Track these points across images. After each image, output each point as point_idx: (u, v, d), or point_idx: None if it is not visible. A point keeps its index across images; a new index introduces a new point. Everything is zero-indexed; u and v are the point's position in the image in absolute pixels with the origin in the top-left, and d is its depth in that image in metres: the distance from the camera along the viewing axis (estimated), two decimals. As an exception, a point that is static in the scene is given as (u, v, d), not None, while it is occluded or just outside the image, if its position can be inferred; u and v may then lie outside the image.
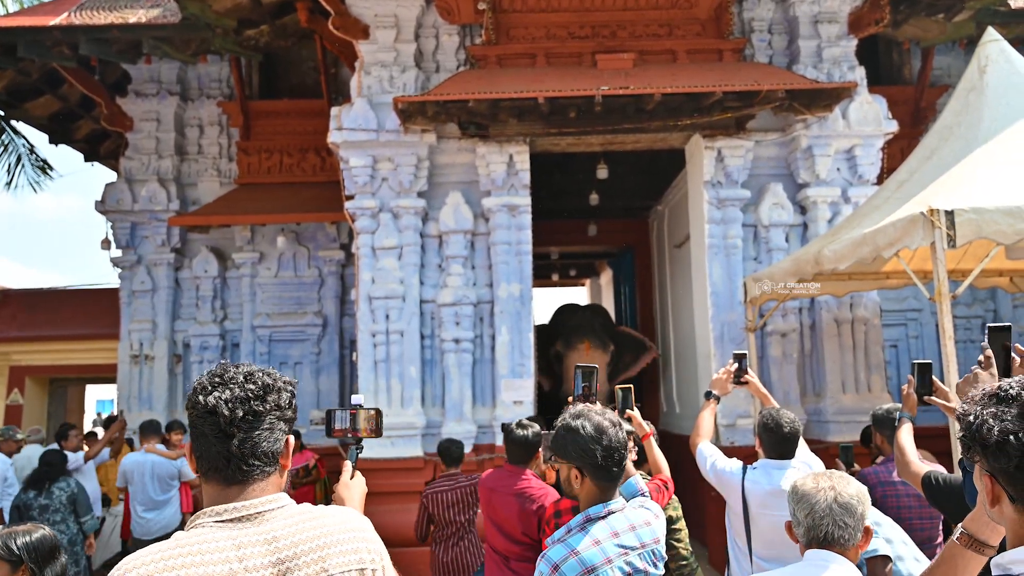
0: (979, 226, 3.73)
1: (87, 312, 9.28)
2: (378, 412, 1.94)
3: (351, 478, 1.76)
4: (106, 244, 8.60)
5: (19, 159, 10.27)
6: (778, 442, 3.00)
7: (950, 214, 3.73)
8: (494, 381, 6.37)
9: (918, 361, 2.73)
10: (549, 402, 7.90)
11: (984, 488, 1.10)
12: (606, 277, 12.95)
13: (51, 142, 9.64)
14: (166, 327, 8.33)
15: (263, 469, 1.34)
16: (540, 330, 8.26)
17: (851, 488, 1.96)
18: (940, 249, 3.75)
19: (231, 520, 1.28)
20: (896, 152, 7.20)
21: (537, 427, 3.43)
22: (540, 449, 3.37)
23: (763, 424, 3.07)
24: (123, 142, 8.66)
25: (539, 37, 6.73)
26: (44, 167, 10.42)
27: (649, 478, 2.99)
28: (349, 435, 1.90)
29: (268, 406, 1.34)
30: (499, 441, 6.25)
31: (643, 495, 2.18)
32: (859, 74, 6.56)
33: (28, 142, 10.36)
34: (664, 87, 5.88)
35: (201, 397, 1.32)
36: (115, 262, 8.56)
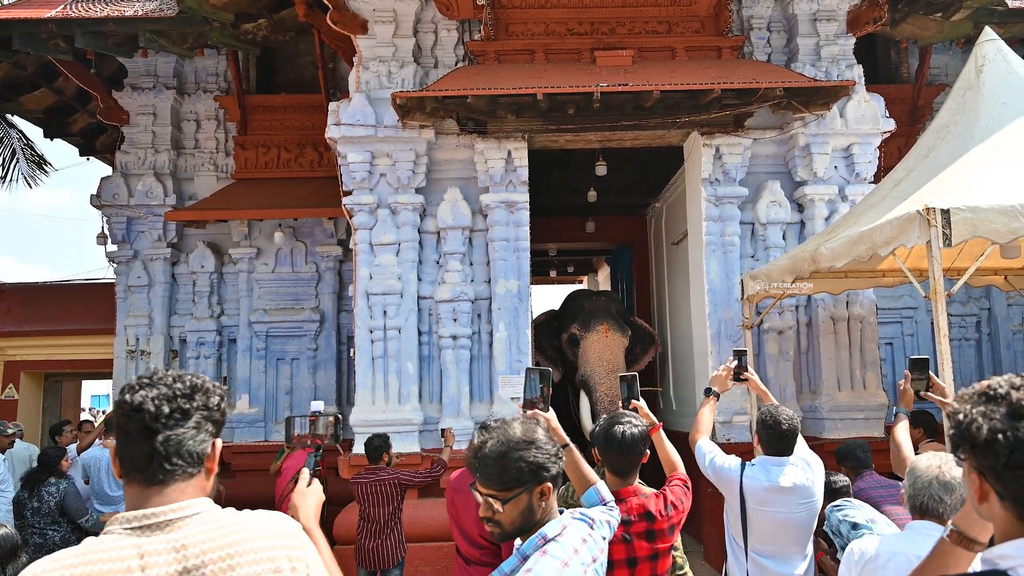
0: (974, 225, 3.75)
1: (82, 307, 9.26)
2: (336, 418, 1.94)
3: (307, 485, 1.73)
4: (102, 239, 8.57)
5: (14, 153, 10.22)
6: (776, 439, 3.01)
7: (946, 213, 3.74)
8: (492, 377, 6.39)
9: (915, 357, 2.74)
10: (560, 392, 7.52)
11: (973, 485, 1.12)
12: (604, 274, 12.96)
13: (46, 136, 9.58)
14: (162, 322, 8.31)
15: (186, 470, 1.33)
16: (550, 316, 7.99)
17: (956, 470, 2.12)
18: (936, 248, 3.76)
19: (139, 528, 1.27)
20: (893, 150, 7.22)
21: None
22: None
23: (762, 421, 3.07)
24: (119, 136, 8.62)
25: (538, 33, 6.73)
26: (39, 162, 10.37)
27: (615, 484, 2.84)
28: (308, 441, 1.90)
29: (196, 404, 1.35)
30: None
31: (604, 504, 2.04)
32: (857, 72, 6.58)
33: (24, 136, 10.31)
34: (663, 84, 5.89)
35: (128, 396, 1.33)
36: (111, 257, 8.53)
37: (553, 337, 7.74)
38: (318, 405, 1.80)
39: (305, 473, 1.77)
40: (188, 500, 1.31)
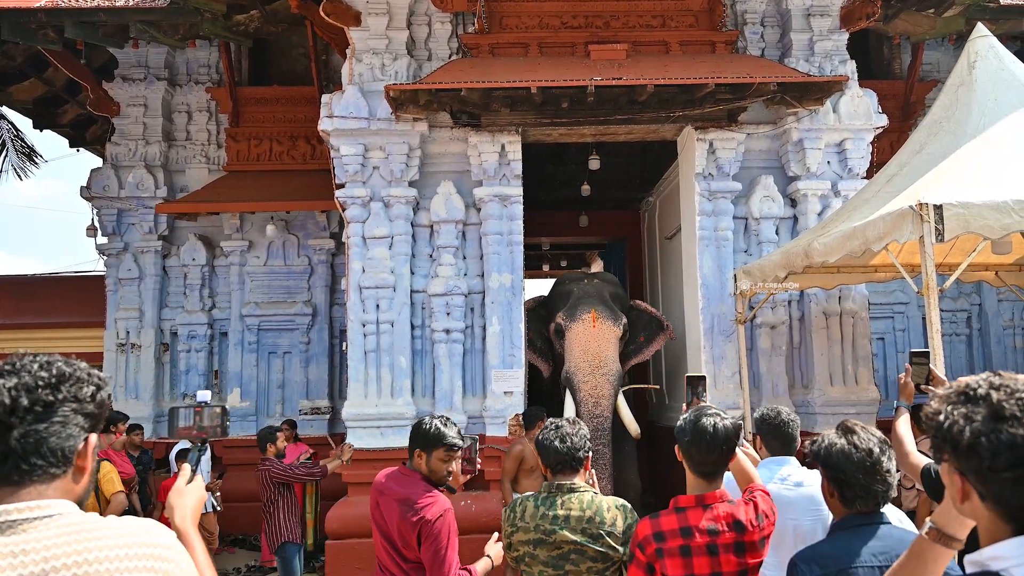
0: (967, 220, 3.76)
1: (72, 300, 9.18)
2: (223, 409, 1.83)
3: (188, 483, 1.58)
4: (92, 231, 8.51)
5: (3, 144, 10.11)
6: (779, 435, 2.85)
7: (939, 208, 3.76)
8: (484, 371, 6.38)
9: (915, 349, 2.69)
10: (549, 389, 7.06)
11: (954, 486, 1.11)
12: (597, 268, 12.98)
13: (36, 127, 9.50)
14: (153, 315, 8.27)
15: (47, 470, 1.18)
16: (538, 303, 7.14)
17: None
18: (928, 243, 3.78)
19: None
20: (886, 146, 7.25)
21: (440, 424, 2.75)
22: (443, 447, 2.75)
23: (761, 418, 2.89)
24: (109, 127, 8.55)
25: (532, 26, 6.70)
26: (29, 153, 10.27)
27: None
28: (194, 434, 1.80)
29: (62, 396, 1.20)
30: (489, 432, 6.26)
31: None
32: (850, 68, 6.59)
33: (13, 127, 10.21)
34: (657, 78, 5.88)
35: None
36: (101, 249, 8.48)
37: (542, 326, 6.96)
38: (204, 395, 1.69)
39: (186, 469, 1.62)
40: (40, 501, 1.16)
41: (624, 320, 6.59)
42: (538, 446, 2.53)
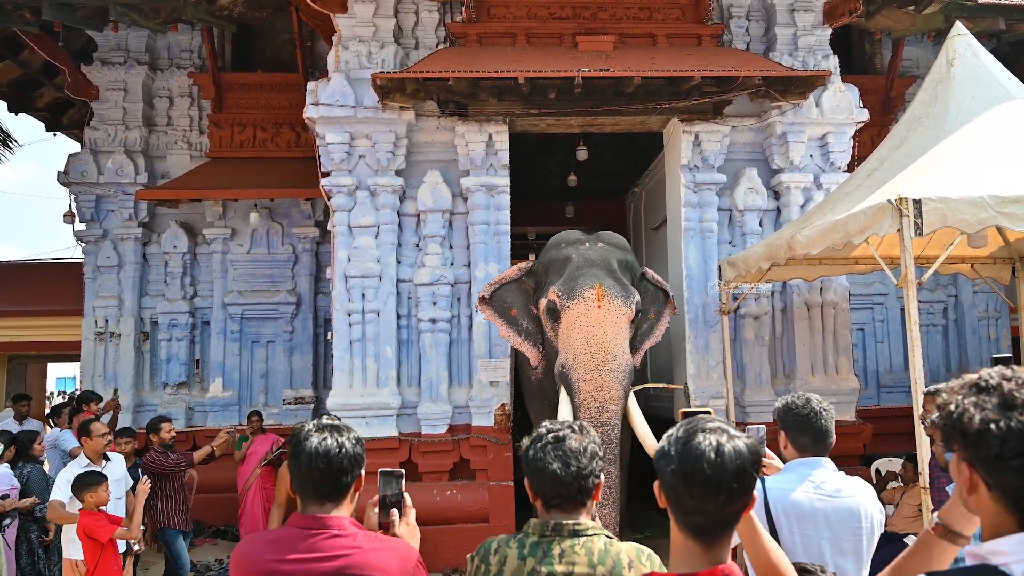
0: (944, 215, 3.85)
1: (49, 287, 9.04)
2: None
3: None
4: (69, 217, 8.36)
5: (-24, 128, 9.87)
6: (809, 427, 2.31)
7: (918, 203, 3.84)
8: (471, 361, 6.40)
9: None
10: (539, 381, 5.74)
11: (961, 477, 1.11)
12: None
13: (10, 110, 9.31)
14: (133, 304, 8.16)
15: None
16: (523, 273, 5.71)
17: None
18: (908, 237, 3.86)
19: None
20: (867, 140, 7.36)
21: (357, 433, 1.78)
22: (361, 472, 1.74)
23: (787, 408, 2.35)
24: (88, 112, 8.40)
25: (520, 16, 6.70)
26: (4, 138, 10.04)
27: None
28: None
29: None
30: (475, 421, 6.29)
31: None
32: (833, 63, 6.68)
33: (-14, 110, 9.97)
34: (644, 70, 5.92)
35: None
36: (79, 236, 8.34)
37: (529, 301, 5.60)
38: None
39: None
40: None
41: (636, 297, 5.21)
42: (527, 466, 1.72)
